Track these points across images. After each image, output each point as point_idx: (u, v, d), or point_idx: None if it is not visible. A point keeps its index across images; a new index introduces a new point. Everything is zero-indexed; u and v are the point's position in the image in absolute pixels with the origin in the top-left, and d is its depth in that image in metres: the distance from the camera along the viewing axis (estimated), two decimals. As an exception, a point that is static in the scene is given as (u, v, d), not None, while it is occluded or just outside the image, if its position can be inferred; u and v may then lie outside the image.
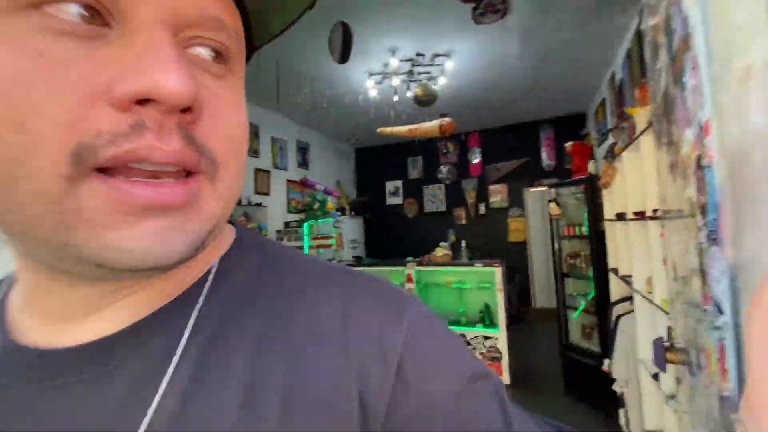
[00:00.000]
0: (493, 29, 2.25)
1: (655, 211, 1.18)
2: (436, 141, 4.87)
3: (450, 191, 5.11)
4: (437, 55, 2.79)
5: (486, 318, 2.98)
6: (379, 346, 0.23)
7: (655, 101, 0.85)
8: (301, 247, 4.57)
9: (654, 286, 1.22)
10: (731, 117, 0.40)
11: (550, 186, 3.01)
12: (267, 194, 5.00)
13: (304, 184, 4.70)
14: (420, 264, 3.30)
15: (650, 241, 1.26)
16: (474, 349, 2.82)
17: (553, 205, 2.82)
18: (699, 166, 0.43)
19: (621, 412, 1.86)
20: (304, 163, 5.64)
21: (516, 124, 4.64)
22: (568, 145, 3.21)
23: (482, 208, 4.88)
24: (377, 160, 5.79)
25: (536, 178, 4.40)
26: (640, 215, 1.37)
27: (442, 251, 3.38)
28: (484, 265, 2.94)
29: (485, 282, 3.00)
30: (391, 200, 5.67)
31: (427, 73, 2.98)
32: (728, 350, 0.45)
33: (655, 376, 1.28)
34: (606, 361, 1.86)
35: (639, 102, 1.42)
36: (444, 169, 5.07)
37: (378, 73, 3.04)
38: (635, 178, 1.46)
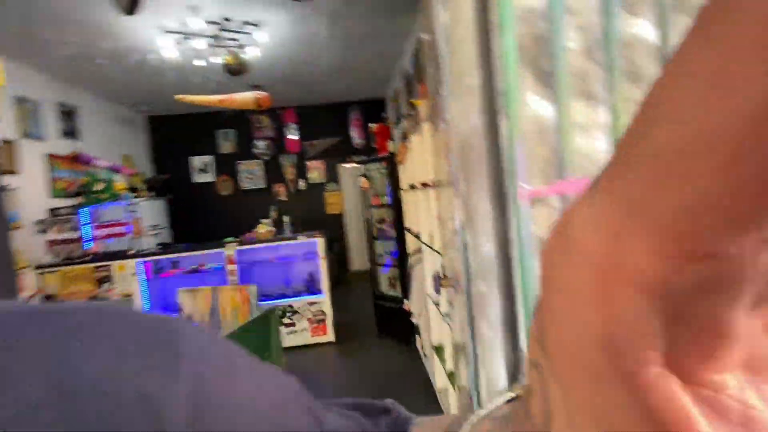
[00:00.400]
0: (305, 6, 2.33)
1: (431, 181, 1.56)
2: (249, 114, 4.66)
3: (269, 167, 5.02)
4: (247, 23, 2.67)
5: (310, 286, 3.22)
6: (146, 419, 0.14)
7: (430, 99, 1.14)
8: (79, 239, 3.65)
9: (433, 237, 1.63)
10: (461, 118, 0.63)
11: (360, 162, 3.41)
12: (14, 173, 3.73)
13: (76, 159, 3.70)
14: (242, 243, 3.20)
15: (430, 203, 1.66)
16: (300, 314, 3.02)
17: (363, 179, 3.22)
18: (447, 150, 0.66)
19: (417, 338, 2.40)
20: (71, 133, 4.42)
21: (329, 103, 4.92)
22: (372, 126, 3.67)
23: (302, 184, 5.03)
24: (179, 132, 5.08)
25: (349, 155, 4.83)
26: (424, 185, 1.78)
27: (264, 228, 3.37)
28: (308, 237, 3.13)
29: (309, 253, 3.20)
30: (199, 177, 5.12)
31: (235, 40, 2.82)
32: (463, 273, 0.71)
33: (437, 305, 1.74)
34: (406, 301, 2.35)
35: (421, 96, 1.81)
36: (261, 144, 4.92)
37: (175, 32, 2.68)
38: (420, 156, 1.86)
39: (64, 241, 3.55)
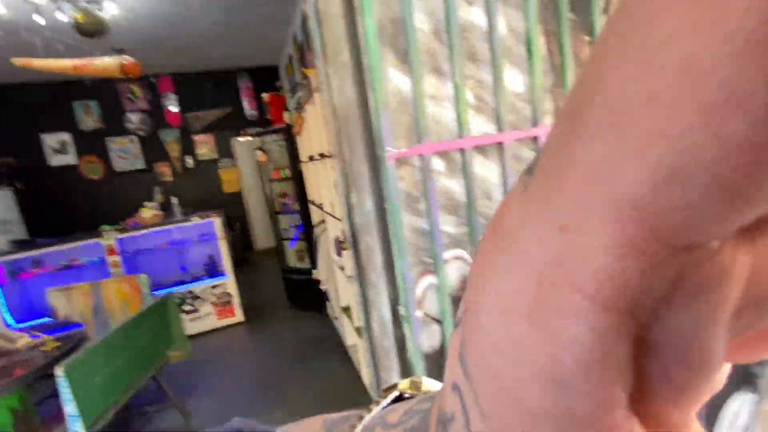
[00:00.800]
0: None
1: (328, 152, 1.62)
2: (115, 83, 4.02)
3: (147, 144, 4.44)
4: (99, -26, 2.27)
5: (211, 269, 3.06)
6: None
7: (316, 70, 1.17)
8: None
9: (334, 205, 1.71)
10: (339, 91, 0.70)
11: (255, 135, 3.25)
12: None
13: None
14: (123, 231, 2.86)
15: (328, 173, 1.72)
16: (203, 300, 2.87)
17: (259, 152, 3.10)
18: (328, 120, 0.72)
19: (327, 304, 2.51)
20: None
21: (214, 70, 4.49)
22: (265, 96, 3.50)
23: (190, 161, 4.58)
24: (23, 106, 4.14)
25: (242, 127, 4.54)
26: (322, 156, 1.82)
27: (149, 212, 3.05)
28: (202, 219, 2.93)
29: (205, 235, 3.01)
30: (57, 160, 4.29)
31: (86, -7, 2.38)
32: (349, 230, 0.80)
33: (342, 268, 1.84)
34: (314, 271, 2.42)
35: (311, 64, 1.81)
36: (134, 117, 4.30)
37: (-2, -22, 2.15)
38: (316, 126, 1.88)
39: None
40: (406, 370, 0.81)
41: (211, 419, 2.09)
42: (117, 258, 2.83)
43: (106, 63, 2.35)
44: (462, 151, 0.79)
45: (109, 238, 2.80)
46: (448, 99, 0.72)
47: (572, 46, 0.93)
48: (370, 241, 0.71)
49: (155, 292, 2.49)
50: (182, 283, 2.94)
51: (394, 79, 0.72)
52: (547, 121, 0.91)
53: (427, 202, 0.77)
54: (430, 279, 0.83)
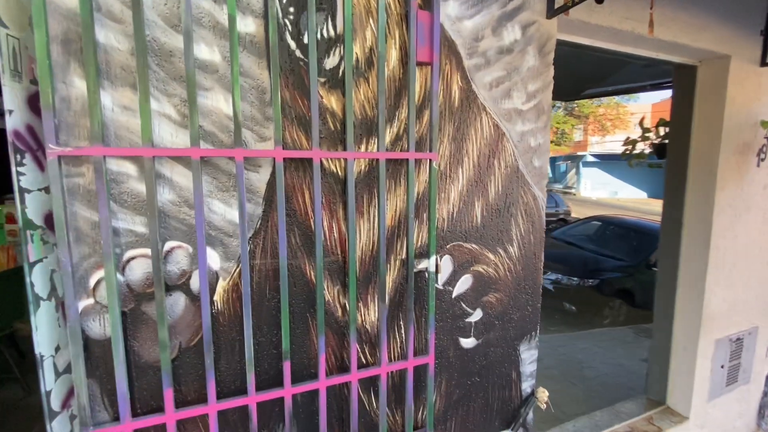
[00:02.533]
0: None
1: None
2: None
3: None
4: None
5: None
6: None
7: None
8: None
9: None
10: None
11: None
12: None
13: None
14: None
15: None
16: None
17: None
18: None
19: None
20: None
21: None
22: None
23: None
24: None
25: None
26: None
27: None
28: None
29: None
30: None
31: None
32: None
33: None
34: None
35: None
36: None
37: None
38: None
39: None
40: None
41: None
42: None
43: None
44: (148, 159, 0.88)
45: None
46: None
47: (301, 86, 1.03)
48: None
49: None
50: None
51: (78, 86, 0.82)
52: (258, 146, 1.01)
53: (99, 200, 0.85)
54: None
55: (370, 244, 1.18)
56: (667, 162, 2.18)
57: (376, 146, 1.14)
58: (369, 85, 1.12)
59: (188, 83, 0.89)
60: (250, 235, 1.04)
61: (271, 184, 1.04)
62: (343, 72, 1.07)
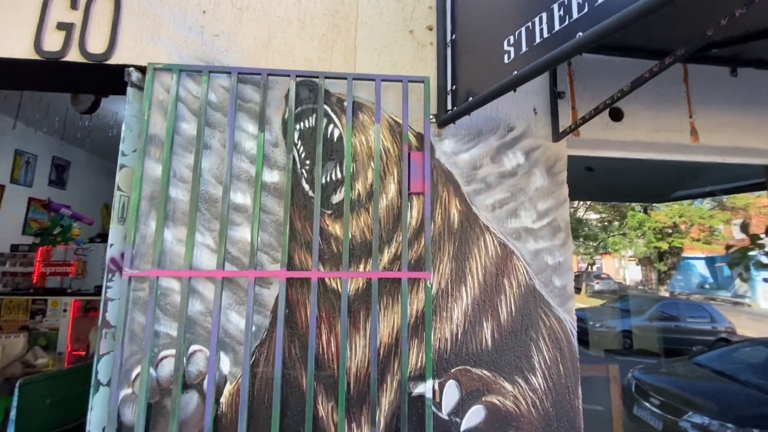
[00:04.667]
0: None
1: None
2: None
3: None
4: None
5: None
6: None
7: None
8: (29, 274, 4.18)
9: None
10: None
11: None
12: (-3, 210, 4.43)
13: (46, 206, 4.39)
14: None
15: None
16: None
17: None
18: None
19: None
20: (59, 182, 5.21)
21: None
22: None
23: None
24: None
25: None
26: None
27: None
28: None
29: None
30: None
31: None
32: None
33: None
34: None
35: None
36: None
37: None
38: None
39: (15, 274, 4.07)
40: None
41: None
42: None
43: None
44: (184, 278, 1.16)
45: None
46: (196, 245, 1.18)
47: (311, 218, 1.27)
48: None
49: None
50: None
51: (152, 226, 1.19)
52: (271, 267, 1.23)
53: (149, 309, 1.14)
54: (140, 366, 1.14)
55: (365, 362, 1.22)
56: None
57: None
58: (369, 214, 1.30)
59: (221, 221, 1.19)
60: (257, 344, 1.20)
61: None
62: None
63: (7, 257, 4.15)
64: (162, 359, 1.17)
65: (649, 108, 1.51)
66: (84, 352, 3.73)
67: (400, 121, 1.35)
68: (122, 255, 1.26)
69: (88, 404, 1.16)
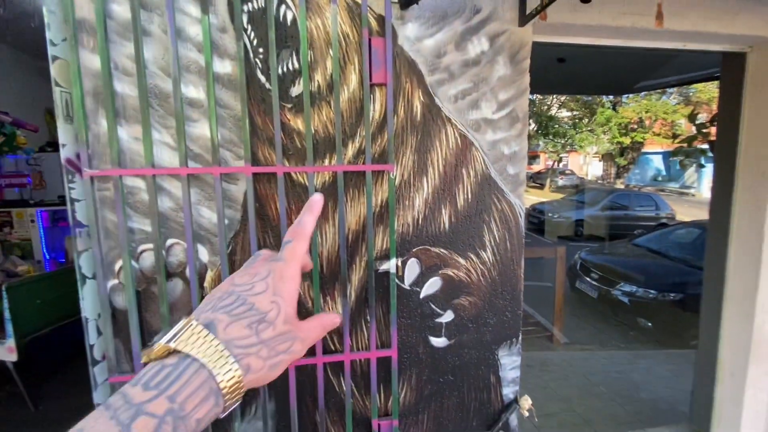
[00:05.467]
0: None
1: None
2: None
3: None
4: None
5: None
6: None
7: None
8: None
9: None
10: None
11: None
12: None
13: (-20, 112, 3.94)
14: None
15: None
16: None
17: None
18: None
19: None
20: (-16, 83, 4.61)
21: None
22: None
23: None
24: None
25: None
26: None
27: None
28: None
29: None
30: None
31: None
32: None
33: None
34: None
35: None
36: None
37: None
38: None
39: (-34, 187, 3.86)
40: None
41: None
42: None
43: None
44: (149, 176, 1.17)
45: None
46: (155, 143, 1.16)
47: (270, 113, 1.25)
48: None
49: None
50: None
51: (103, 125, 1.15)
52: (234, 163, 1.25)
53: (116, 208, 1.17)
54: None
55: (336, 246, 1.34)
56: (714, 162, 1.92)
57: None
58: (330, 107, 1.28)
59: (177, 117, 1.16)
60: (231, 235, 1.28)
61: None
62: (305, 98, 1.25)
63: (-52, 170, 3.87)
64: (142, 252, 1.24)
65: (620, -13, 1.45)
66: (64, 260, 3.81)
67: (359, 1, 1.25)
68: (78, 155, 1.23)
69: (78, 302, 1.25)
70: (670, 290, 4.90)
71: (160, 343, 0.31)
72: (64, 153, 1.20)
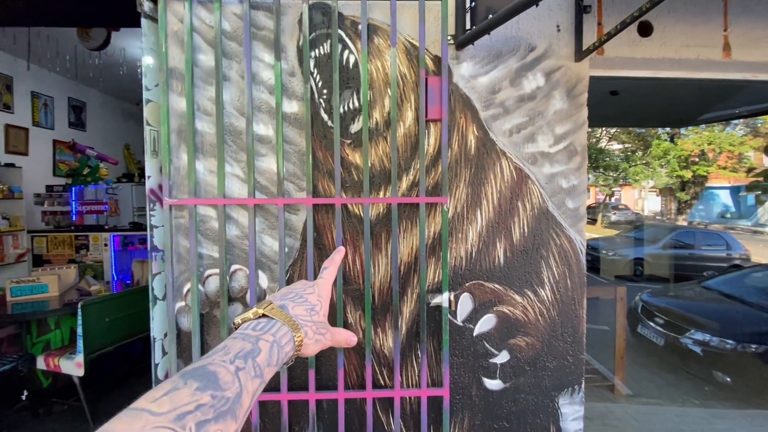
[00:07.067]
0: None
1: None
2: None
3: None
4: None
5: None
6: None
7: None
8: (67, 212, 4.46)
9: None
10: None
11: None
12: (24, 154, 4.61)
13: (72, 147, 4.52)
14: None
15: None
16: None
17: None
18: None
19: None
20: (79, 124, 5.29)
21: None
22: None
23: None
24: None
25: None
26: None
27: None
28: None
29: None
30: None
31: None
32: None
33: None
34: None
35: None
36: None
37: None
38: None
39: (54, 213, 4.36)
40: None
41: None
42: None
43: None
44: (219, 206, 1.27)
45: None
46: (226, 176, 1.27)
47: (331, 147, 1.32)
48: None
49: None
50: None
51: (183, 158, 1.27)
52: (297, 195, 1.32)
53: (191, 235, 1.26)
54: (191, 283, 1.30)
55: (388, 277, 1.34)
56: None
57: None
58: (387, 142, 1.33)
59: (248, 153, 1.26)
60: (290, 263, 1.33)
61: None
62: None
63: (44, 197, 4.41)
64: (208, 277, 1.32)
65: (682, 21, 1.42)
66: (129, 281, 4.11)
67: (417, 44, 1.32)
68: (160, 186, 1.35)
69: (139, 322, 1.34)
70: (750, 341, 4.33)
71: (254, 309, 0.47)
72: (149, 184, 1.33)
